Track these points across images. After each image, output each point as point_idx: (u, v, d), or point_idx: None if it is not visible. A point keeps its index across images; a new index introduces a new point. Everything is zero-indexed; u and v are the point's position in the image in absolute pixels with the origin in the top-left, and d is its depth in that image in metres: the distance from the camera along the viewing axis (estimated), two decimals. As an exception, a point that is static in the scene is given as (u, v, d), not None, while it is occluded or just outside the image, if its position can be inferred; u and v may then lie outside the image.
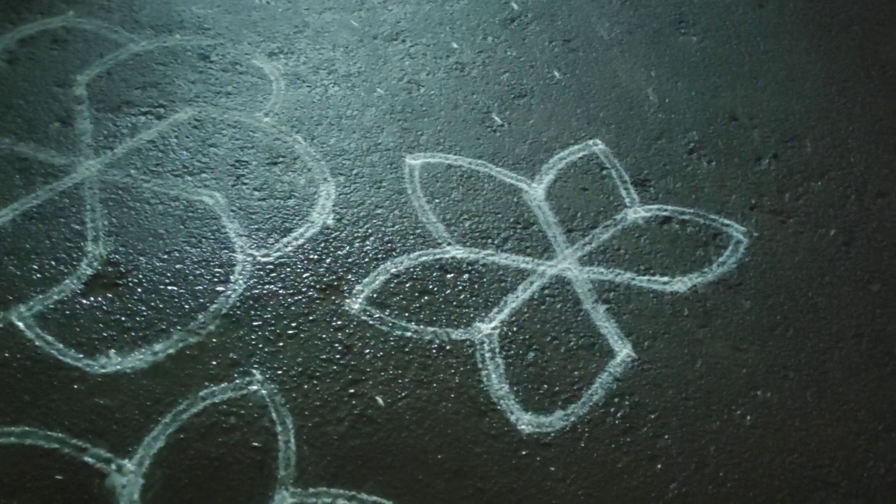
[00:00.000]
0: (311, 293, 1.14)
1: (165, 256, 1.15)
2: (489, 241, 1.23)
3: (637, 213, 1.30)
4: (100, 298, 1.10)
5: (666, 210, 1.30)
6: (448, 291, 1.17)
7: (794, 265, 1.25)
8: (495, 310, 1.16)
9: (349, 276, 1.17)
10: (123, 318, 1.09)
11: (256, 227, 1.21)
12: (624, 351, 1.14)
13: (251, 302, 1.12)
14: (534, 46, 1.52)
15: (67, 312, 1.08)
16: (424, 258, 1.21)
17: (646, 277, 1.22)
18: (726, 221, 1.30)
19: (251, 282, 1.15)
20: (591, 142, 1.39)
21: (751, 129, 1.43)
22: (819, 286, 1.23)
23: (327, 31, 1.49)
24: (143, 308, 1.10)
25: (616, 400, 1.09)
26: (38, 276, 1.11)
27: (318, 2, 1.53)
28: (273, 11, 1.50)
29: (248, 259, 1.17)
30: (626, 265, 1.23)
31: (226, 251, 1.17)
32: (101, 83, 1.35)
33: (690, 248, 1.26)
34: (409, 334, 1.12)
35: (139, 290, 1.11)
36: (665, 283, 1.21)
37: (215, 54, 1.42)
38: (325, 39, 1.47)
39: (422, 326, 1.13)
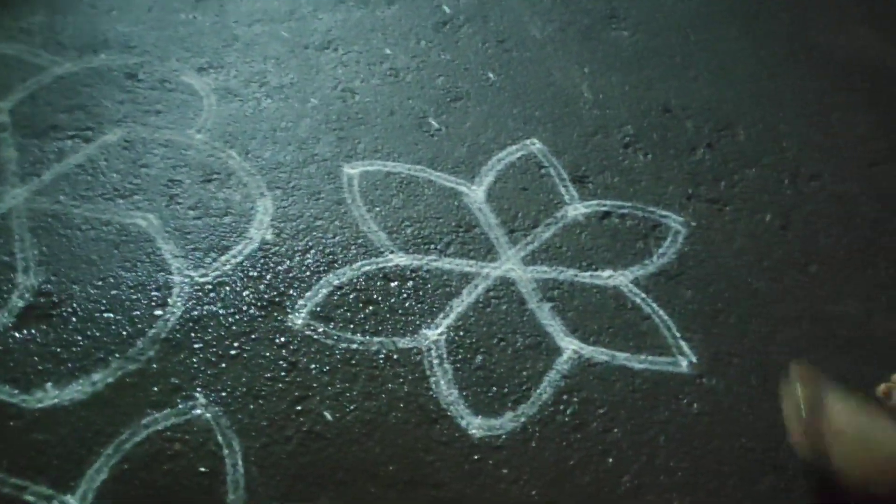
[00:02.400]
0: (252, 311, 1.13)
1: (100, 283, 1.12)
2: (432, 246, 1.23)
3: (577, 209, 1.30)
4: (33, 331, 1.07)
5: (605, 205, 1.31)
6: (393, 300, 1.16)
7: (733, 252, 1.27)
8: (441, 315, 1.15)
9: (291, 292, 1.15)
10: (59, 350, 1.06)
11: (193, 246, 1.18)
12: (570, 348, 1.14)
13: (191, 324, 1.10)
14: (467, 49, 1.52)
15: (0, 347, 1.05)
16: (367, 268, 1.20)
17: (588, 273, 1.22)
18: (664, 213, 1.31)
19: (190, 303, 1.12)
20: (528, 141, 1.39)
21: (684, 120, 1.45)
22: (758, 271, 1.25)
23: (257, 44, 1.47)
24: (79, 338, 1.07)
25: (565, 397, 1.09)
26: (-33, 311, 1.07)
27: (245, 14, 1.51)
28: (200, 26, 1.47)
29: (186, 280, 1.15)
30: (568, 262, 1.23)
31: (162, 273, 1.15)
32: (25, 108, 1.31)
33: (631, 241, 1.27)
34: (354, 346, 1.11)
35: (74, 319, 1.09)
36: (608, 278, 1.22)
37: (142, 72, 1.39)
38: (255, 52, 1.45)
39: (368, 337, 1.12)
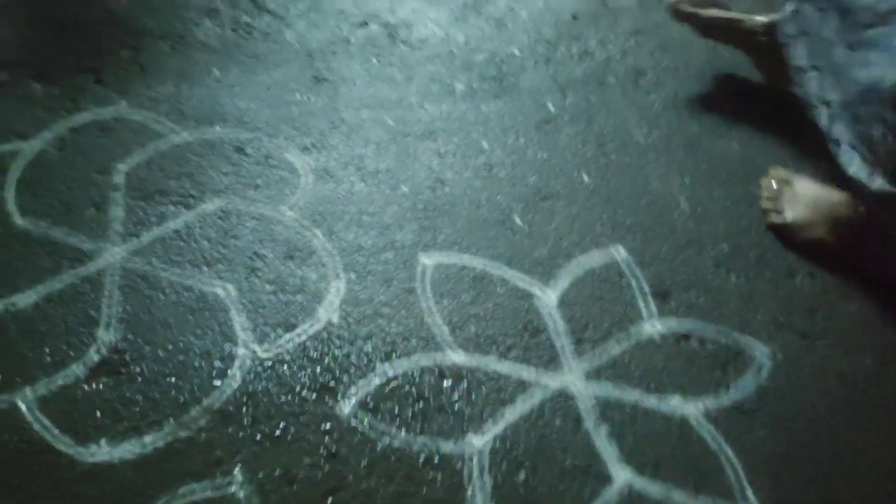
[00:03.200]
0: (304, 393, 1.14)
1: (170, 347, 1.18)
2: (494, 347, 1.21)
3: (654, 326, 1.24)
4: (101, 386, 1.13)
5: (685, 326, 1.24)
6: (444, 399, 1.14)
7: (820, 393, 1.17)
8: (491, 422, 1.12)
9: (345, 378, 1.16)
10: (120, 407, 1.11)
11: (263, 320, 1.22)
12: (622, 477, 1.08)
13: (245, 398, 1.13)
14: (566, 149, 1.51)
15: (68, 397, 1.11)
16: (424, 362, 1.19)
17: (655, 397, 1.16)
18: (749, 341, 1.23)
19: (248, 377, 1.15)
20: (613, 248, 1.35)
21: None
22: (846, 419, 1.14)
23: (361, 128, 1.52)
24: (140, 398, 1.12)
25: (605, 531, 1.02)
26: (49, 359, 1.15)
27: (356, 99, 1.57)
28: (312, 107, 1.55)
29: (249, 353, 1.18)
30: (635, 382, 1.17)
31: (229, 344, 1.19)
32: (140, 172, 1.42)
33: (707, 368, 1.19)
34: (397, 444, 1.10)
35: (139, 379, 1.14)
36: (675, 406, 1.15)
37: (250, 147, 1.47)
38: (359, 136, 1.50)
39: (412, 436, 1.10)
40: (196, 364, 1.16)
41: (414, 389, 1.15)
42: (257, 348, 1.19)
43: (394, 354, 1.19)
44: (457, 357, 1.20)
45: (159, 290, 1.25)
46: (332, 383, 1.16)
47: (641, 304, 1.27)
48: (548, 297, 1.28)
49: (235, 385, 1.15)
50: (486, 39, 1.71)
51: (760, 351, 1.22)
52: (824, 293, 1.29)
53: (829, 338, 1.23)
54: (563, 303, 1.27)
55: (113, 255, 1.29)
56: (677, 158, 1.49)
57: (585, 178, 1.46)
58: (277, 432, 1.10)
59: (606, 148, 1.51)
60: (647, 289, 1.29)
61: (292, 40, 1.68)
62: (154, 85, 1.56)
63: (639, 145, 1.51)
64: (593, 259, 1.34)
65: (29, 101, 1.52)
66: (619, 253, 1.35)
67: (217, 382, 1.15)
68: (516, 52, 1.68)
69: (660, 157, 1.49)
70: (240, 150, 1.46)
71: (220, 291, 1.26)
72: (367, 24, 1.73)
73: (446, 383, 1.16)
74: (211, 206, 1.38)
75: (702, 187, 1.45)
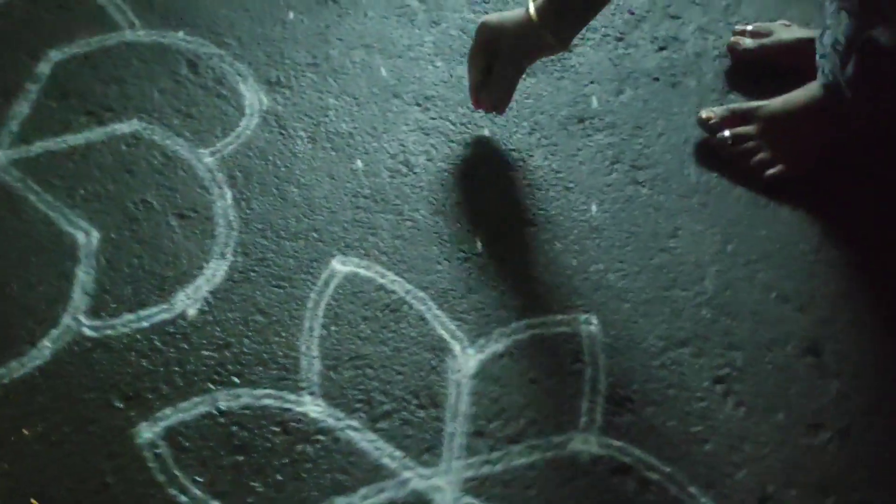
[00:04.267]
0: (111, 396, 0.91)
1: (-8, 287, 0.97)
2: (366, 407, 0.92)
3: (588, 443, 0.90)
4: None
5: (632, 454, 0.89)
6: (267, 460, 0.87)
7: None
8: (315, 509, 0.84)
9: (165, 391, 0.92)
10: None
11: (110, 287, 1.00)
12: None
13: (41, 380, 0.91)
14: (586, 164, 1.14)
15: None
16: (268, 402, 0.92)
17: (537, 546, 0.83)
18: (707, 509, 0.86)
19: (59, 355, 0.94)
20: (583, 318, 1.00)
21: None
22: None
23: (344, 73, 1.21)
24: None
25: None
26: None
27: (356, 33, 1.26)
28: (300, 32, 1.25)
29: (74, 326, 0.95)
30: (524, 515, 0.85)
31: (57, 306, 0.97)
32: (70, 65, 1.19)
33: (632, 527, 0.85)
34: (184, 500, 0.84)
35: None
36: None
37: (205, 66, 1.20)
38: (337, 82, 1.20)
39: (206, 496, 0.85)
40: (11, 319, 0.95)
41: (239, 435, 0.89)
42: (85, 322, 0.96)
43: (236, 380, 0.93)
44: (313, 407, 0.91)
45: (17, 213, 1.05)
46: (148, 395, 0.91)
47: (585, 407, 0.93)
48: (465, 361, 0.96)
49: (39, 361, 0.93)
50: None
51: (719, 527, 0.85)
52: (854, 466, 0.89)
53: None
54: (483, 374, 0.95)
55: (-8, 159, 1.08)
56: (729, 216, 1.09)
57: (594, 208, 1.09)
58: (54, 437, 0.88)
59: (640, 174, 1.13)
60: (602, 387, 0.94)
61: (323, -58, 1.36)
62: (138, -36, 1.31)
63: (685, 182, 1.12)
64: (551, 325, 0.99)
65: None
66: (589, 326, 0.99)
67: (22, 348, 0.93)
68: (585, 18, 1.28)
69: (706, 207, 1.10)
70: (192, 65, 1.20)
71: (80, 237, 1.03)
72: (418, -58, 1.39)
73: (280, 440, 0.89)
74: (125, 127, 1.13)
75: (743, 267, 1.05)
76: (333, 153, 1.13)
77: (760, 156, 1.10)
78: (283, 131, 1.14)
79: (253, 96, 1.17)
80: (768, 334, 0.99)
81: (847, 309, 1.02)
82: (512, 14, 1.03)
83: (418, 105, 1.18)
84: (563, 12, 0.99)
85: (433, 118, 1.17)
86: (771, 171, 1.10)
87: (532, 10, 0.99)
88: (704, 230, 1.08)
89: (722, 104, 1.19)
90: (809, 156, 1.10)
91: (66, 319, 0.96)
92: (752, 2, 1.30)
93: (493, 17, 1.04)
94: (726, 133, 1.11)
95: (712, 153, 1.14)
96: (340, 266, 1.02)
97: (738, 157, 1.11)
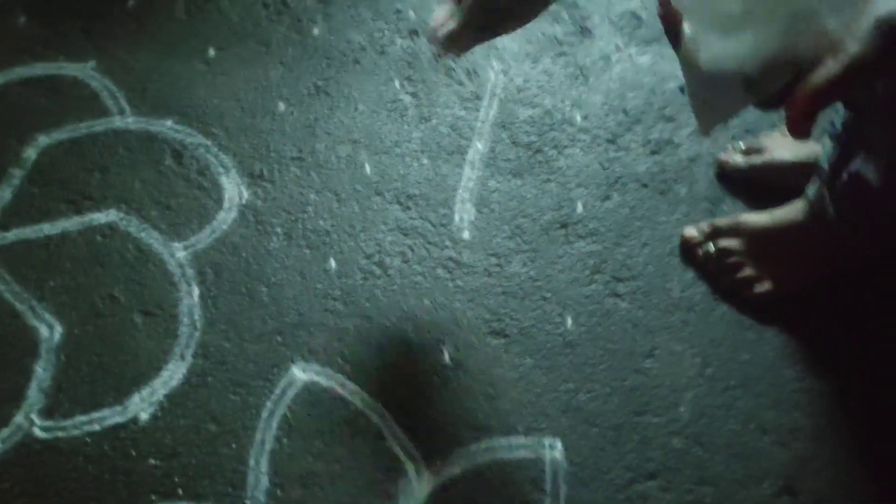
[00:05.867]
0: (45, 506, 0.88)
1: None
2: (311, 531, 0.88)
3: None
4: None
5: None
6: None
7: None
8: None
9: (108, 499, 0.89)
10: None
11: (67, 385, 0.98)
12: None
13: (-19, 485, 0.89)
14: (564, 272, 1.11)
15: None
16: (210, 519, 0.88)
17: None
18: None
19: (6, 454, 0.91)
20: (548, 442, 0.96)
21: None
22: None
23: (328, 169, 1.20)
24: None
25: None
26: None
27: (344, 128, 1.25)
28: (289, 125, 1.25)
29: (25, 425, 0.94)
30: None
31: (11, 403, 0.96)
32: (57, 151, 1.20)
33: None
34: None
35: None
36: None
37: (190, 156, 1.20)
38: (320, 177, 1.19)
39: None
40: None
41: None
42: (37, 421, 0.94)
43: (180, 492, 0.90)
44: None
45: (-18, 304, 1.04)
46: (87, 507, 0.89)
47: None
48: (419, 484, 0.92)
49: (-15, 460, 0.91)
50: (549, 90, 1.31)
51: None
52: None
53: None
54: (436, 500, 0.91)
55: (-31, 243, 1.09)
56: (710, 336, 1.04)
57: (569, 321, 1.06)
58: None
59: (621, 286, 1.09)
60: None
61: (318, 35, 1.37)
62: (138, 51, 1.33)
63: (667, 297, 1.08)
64: (514, 448, 0.95)
65: (6, 34, 1.34)
66: (553, 452, 0.95)
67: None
68: (578, 117, 1.27)
69: (687, 326, 1.05)
70: (177, 156, 1.20)
71: (44, 331, 1.02)
72: (416, 34, 1.39)
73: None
74: (103, 217, 1.13)
75: (721, 393, 1.00)
76: (308, 251, 1.11)
77: (747, 272, 1.06)
78: (260, 226, 1.13)
79: (233, 189, 1.17)
80: (743, 469, 0.94)
81: (829, 446, 0.96)
82: None
83: (399, 203, 1.17)
84: None
85: (413, 218, 1.15)
86: (758, 289, 1.05)
87: None
88: (683, 351, 1.03)
89: (713, 213, 1.15)
90: (798, 275, 1.05)
91: (19, 418, 0.95)
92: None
93: None
94: (711, 247, 1.07)
95: (697, 266, 1.10)
96: (300, 374, 1.00)
97: (724, 272, 1.07)
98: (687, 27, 0.60)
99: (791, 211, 1.04)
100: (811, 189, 0.99)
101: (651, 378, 1.01)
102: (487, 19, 0.93)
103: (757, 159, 1.14)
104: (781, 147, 1.14)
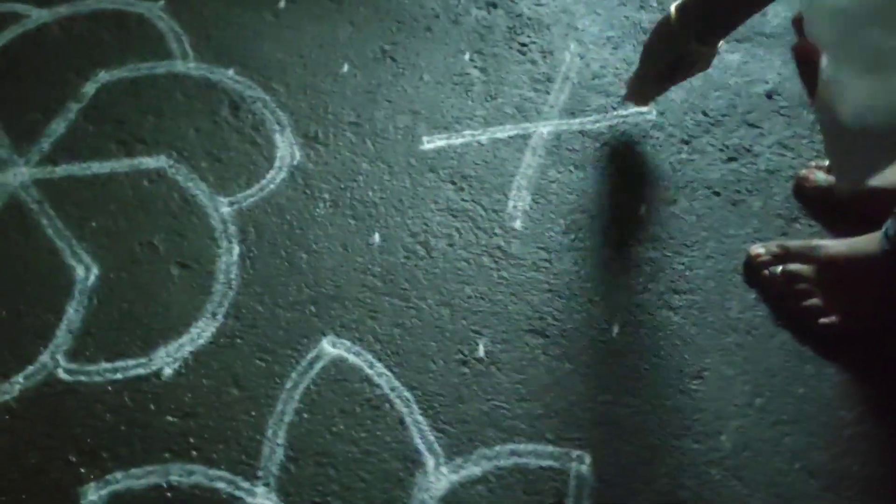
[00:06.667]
0: (59, 460, 0.87)
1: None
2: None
3: None
4: None
5: None
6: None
7: None
8: None
9: (104, 456, 0.87)
10: None
11: (96, 329, 0.96)
12: None
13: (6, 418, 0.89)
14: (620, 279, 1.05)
15: None
16: (220, 484, 0.87)
17: None
18: None
19: (28, 392, 0.91)
20: (575, 454, 0.90)
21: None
22: None
23: (384, 137, 1.16)
24: None
25: None
26: None
27: (405, 98, 1.20)
28: (350, 86, 1.21)
29: (50, 364, 0.93)
30: None
31: (39, 342, 0.95)
32: (115, 88, 1.18)
33: None
34: None
35: None
36: None
37: (247, 109, 1.17)
38: (375, 144, 1.15)
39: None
40: (-7, 345, 0.94)
41: None
42: (62, 363, 0.93)
43: (194, 454, 0.88)
44: (264, 501, 0.86)
45: (26, 233, 1.04)
46: (104, 454, 0.88)
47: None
48: (436, 480, 0.88)
49: (7, 397, 0.92)
50: (627, 80, 1.23)
51: None
52: None
53: None
54: (452, 499, 0.87)
55: (16, 175, 1.08)
56: (765, 364, 0.97)
57: (616, 329, 1.00)
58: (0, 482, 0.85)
59: (676, 299, 1.03)
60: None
61: (402, -6, 1.31)
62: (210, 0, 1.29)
63: (724, 316, 1.02)
64: (539, 456, 0.91)
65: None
66: (581, 465, 0.90)
67: (-6, 382, 0.91)
68: (654, 113, 1.19)
69: (742, 350, 0.99)
70: (234, 108, 1.18)
71: (80, 272, 1.01)
72: (494, 6, 1.32)
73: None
74: (153, 162, 1.11)
75: (769, 427, 0.93)
76: (353, 222, 1.07)
77: (814, 300, 0.98)
78: (308, 190, 1.10)
79: (286, 149, 1.13)
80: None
81: (882, 500, 0.89)
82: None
83: (453, 183, 1.12)
84: (705, 13, 0.92)
85: (465, 200, 1.10)
86: (824, 321, 0.98)
87: (673, 9, 0.95)
88: (734, 376, 0.97)
89: (786, 233, 1.08)
90: (869, 311, 0.97)
91: (45, 357, 0.94)
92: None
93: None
94: (779, 269, 1.00)
95: (761, 288, 1.03)
96: (330, 347, 0.96)
97: (789, 298, 1.00)
98: (826, 65, 0.51)
99: (871, 243, 0.96)
100: (890, 224, 0.91)
101: (696, 400, 0.95)
102: (657, 71, 1.02)
103: None
104: None
